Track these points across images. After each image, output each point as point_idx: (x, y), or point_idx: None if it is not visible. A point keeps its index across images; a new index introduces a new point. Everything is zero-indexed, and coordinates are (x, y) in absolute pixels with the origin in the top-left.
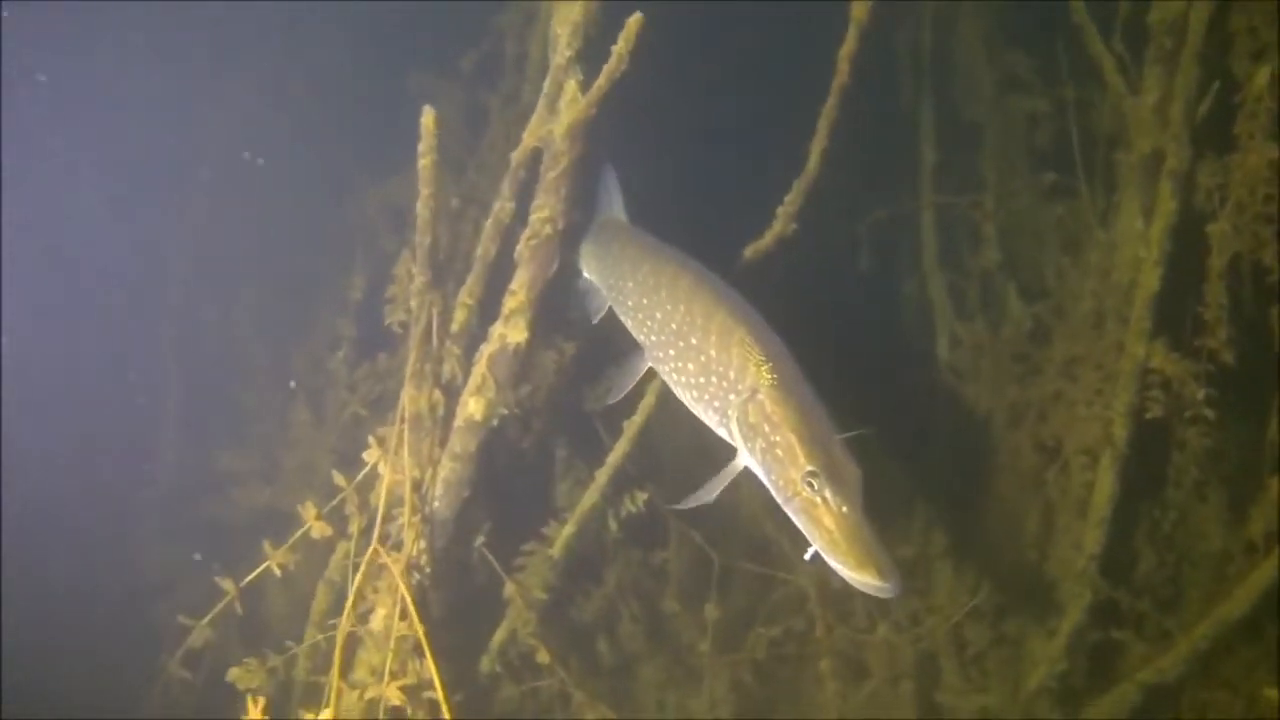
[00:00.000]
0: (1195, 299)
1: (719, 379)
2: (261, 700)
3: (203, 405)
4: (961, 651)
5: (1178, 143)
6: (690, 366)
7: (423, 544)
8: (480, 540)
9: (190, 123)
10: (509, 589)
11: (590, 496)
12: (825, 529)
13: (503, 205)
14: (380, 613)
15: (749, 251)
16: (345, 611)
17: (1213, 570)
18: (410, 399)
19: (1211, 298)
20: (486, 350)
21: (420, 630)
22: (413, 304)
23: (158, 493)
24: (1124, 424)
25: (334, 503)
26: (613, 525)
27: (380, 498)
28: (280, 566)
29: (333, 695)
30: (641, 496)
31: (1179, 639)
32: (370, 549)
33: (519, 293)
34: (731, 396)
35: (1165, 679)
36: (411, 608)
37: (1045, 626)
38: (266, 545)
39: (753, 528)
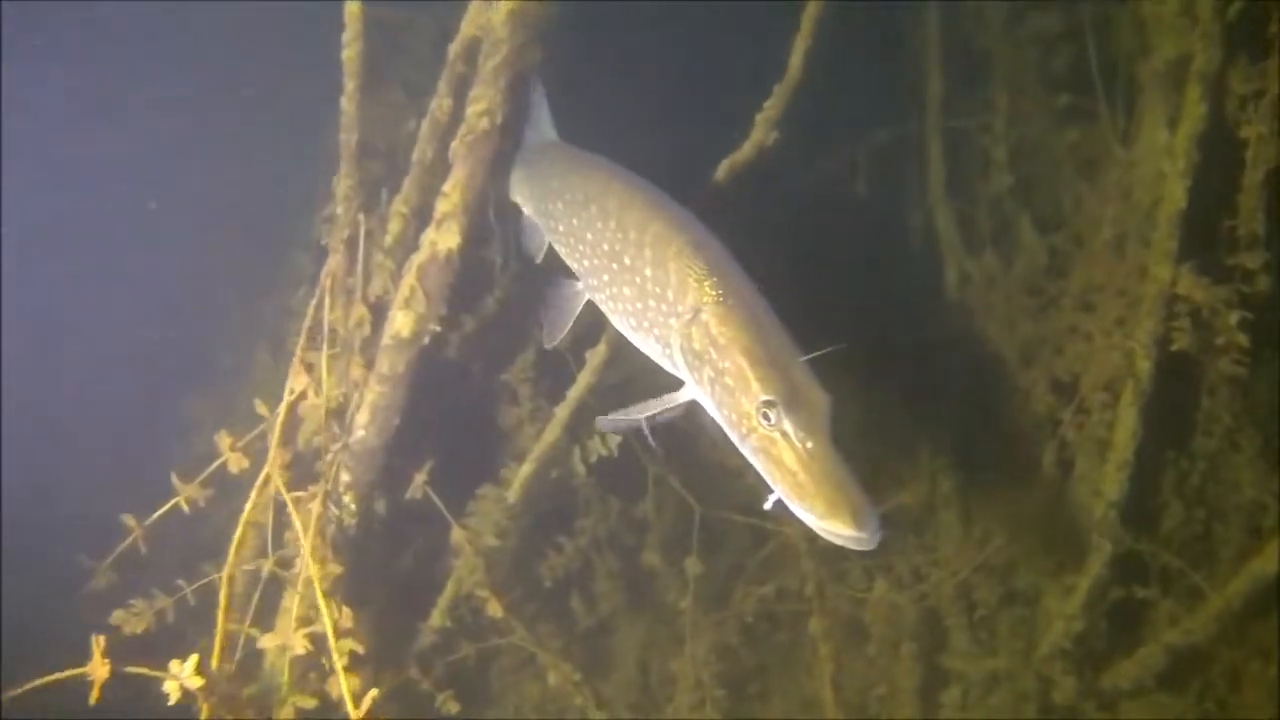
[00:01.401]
0: (1226, 216)
1: (657, 301)
2: (103, 640)
3: (170, 351)
4: (970, 611)
5: (1207, 41)
6: (626, 291)
7: (345, 477)
8: (422, 479)
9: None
10: (456, 535)
11: (551, 433)
12: (786, 469)
13: (439, 103)
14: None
15: (725, 166)
16: (232, 551)
17: (1246, 524)
18: (334, 316)
19: (1245, 213)
20: (416, 259)
21: (334, 572)
22: (338, 210)
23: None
24: (1147, 355)
25: (254, 433)
26: (580, 468)
27: (305, 429)
28: (189, 502)
29: (217, 642)
30: (614, 439)
31: (1209, 597)
32: (271, 483)
33: (452, 194)
34: (672, 321)
35: (1193, 641)
36: (328, 548)
37: (1061, 582)
38: (174, 478)
39: (739, 476)
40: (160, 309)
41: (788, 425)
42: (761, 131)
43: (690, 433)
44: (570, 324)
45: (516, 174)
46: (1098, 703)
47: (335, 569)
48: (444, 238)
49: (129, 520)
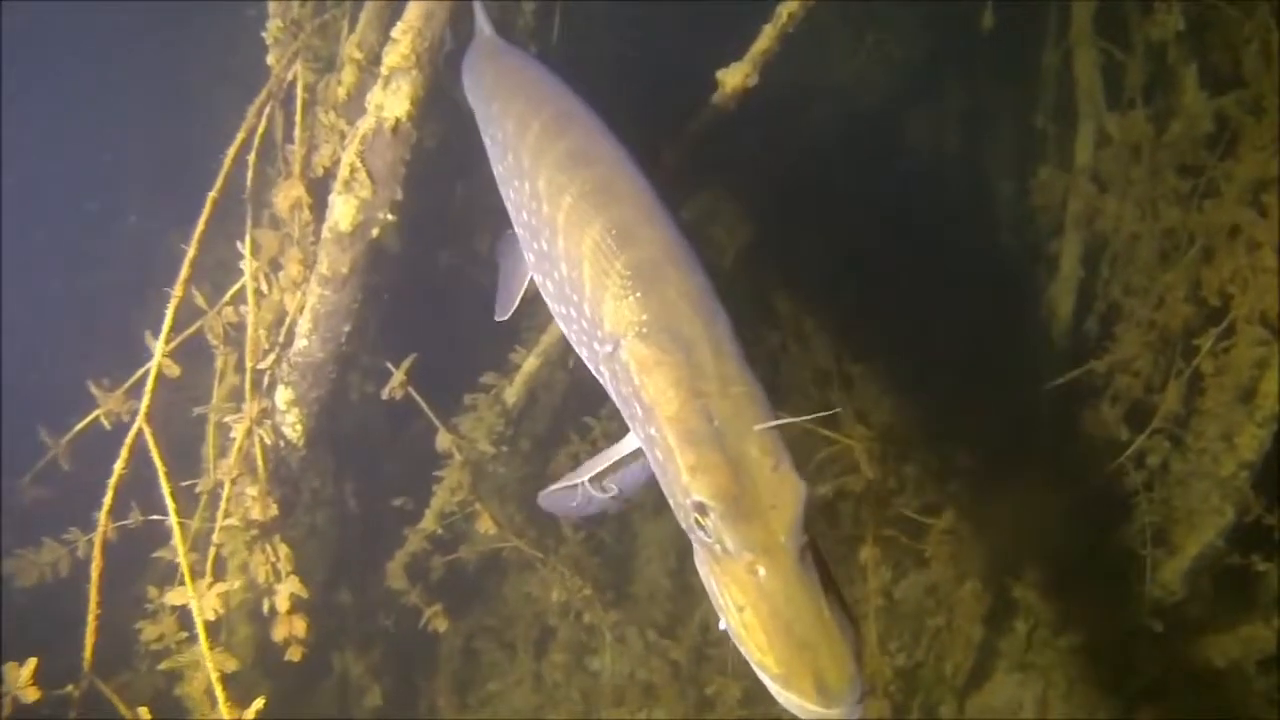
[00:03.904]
0: None
1: (577, 312)
2: None
3: None
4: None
5: None
6: (549, 285)
7: (287, 394)
8: (400, 380)
9: None
10: (443, 440)
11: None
12: (730, 600)
13: None
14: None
15: None
16: (106, 502)
17: None
18: (278, 196)
19: None
20: (359, 128)
21: (266, 504)
22: (270, 58)
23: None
24: None
25: (189, 332)
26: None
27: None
28: (110, 417)
29: (93, 592)
30: None
31: None
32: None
33: (402, 41)
34: (595, 345)
35: None
36: (260, 474)
37: (1165, 541)
38: (93, 387)
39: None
40: None
41: (729, 541)
42: None
43: None
44: (520, 295)
45: (466, 80)
46: (1185, 677)
47: (269, 508)
48: (392, 102)
49: (51, 442)
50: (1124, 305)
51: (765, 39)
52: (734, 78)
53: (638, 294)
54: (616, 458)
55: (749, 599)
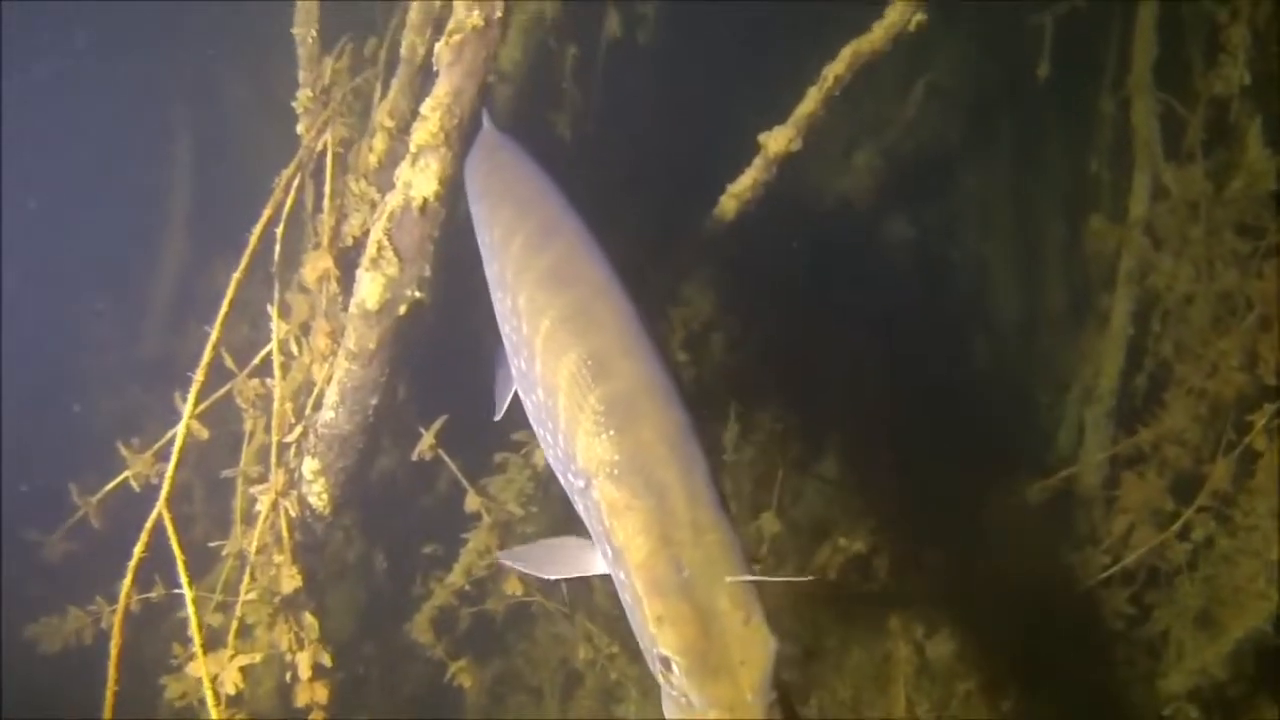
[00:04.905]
0: None
1: (552, 437)
2: None
3: None
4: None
5: None
6: (529, 404)
7: (313, 464)
8: (428, 443)
9: None
10: (472, 502)
11: None
12: None
13: None
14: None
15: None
16: (129, 573)
17: None
18: (306, 267)
19: None
20: (388, 204)
21: (290, 575)
22: (299, 128)
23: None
24: None
25: (215, 398)
26: None
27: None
28: (139, 479)
29: (111, 669)
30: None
31: None
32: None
33: (431, 117)
34: (569, 476)
35: None
36: (285, 545)
37: (1209, 622)
38: (124, 450)
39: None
40: None
41: (694, 697)
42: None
43: None
44: (508, 401)
45: (466, 176)
46: None
47: (294, 580)
48: (420, 180)
49: (83, 501)
50: (1175, 369)
51: (810, 102)
52: (777, 142)
53: (611, 432)
54: (585, 573)
55: None
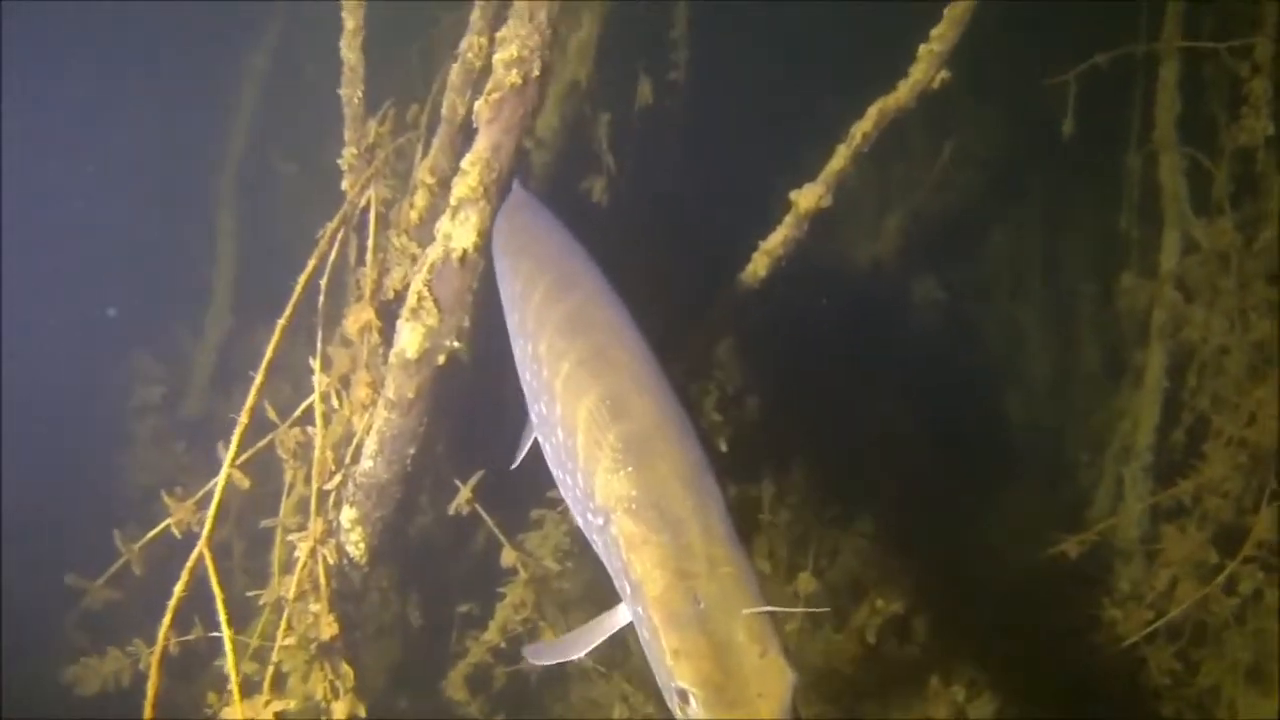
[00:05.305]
0: None
1: (571, 479)
2: None
3: None
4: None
5: None
6: (548, 448)
7: (351, 513)
8: (465, 497)
9: None
10: (508, 557)
11: None
12: None
13: (472, 42)
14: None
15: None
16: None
17: None
18: (348, 319)
19: None
20: (428, 257)
21: (328, 622)
22: (344, 185)
23: None
24: None
25: (255, 450)
26: None
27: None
28: (180, 526)
29: (148, 709)
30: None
31: None
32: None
33: (471, 172)
34: (589, 515)
35: None
36: (323, 592)
37: (1259, 678)
38: (166, 498)
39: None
40: None
41: None
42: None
43: None
44: (526, 449)
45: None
46: None
47: (331, 627)
48: (460, 232)
49: (124, 546)
50: (1212, 420)
51: (839, 159)
52: (808, 200)
53: (628, 468)
54: (610, 631)
55: None
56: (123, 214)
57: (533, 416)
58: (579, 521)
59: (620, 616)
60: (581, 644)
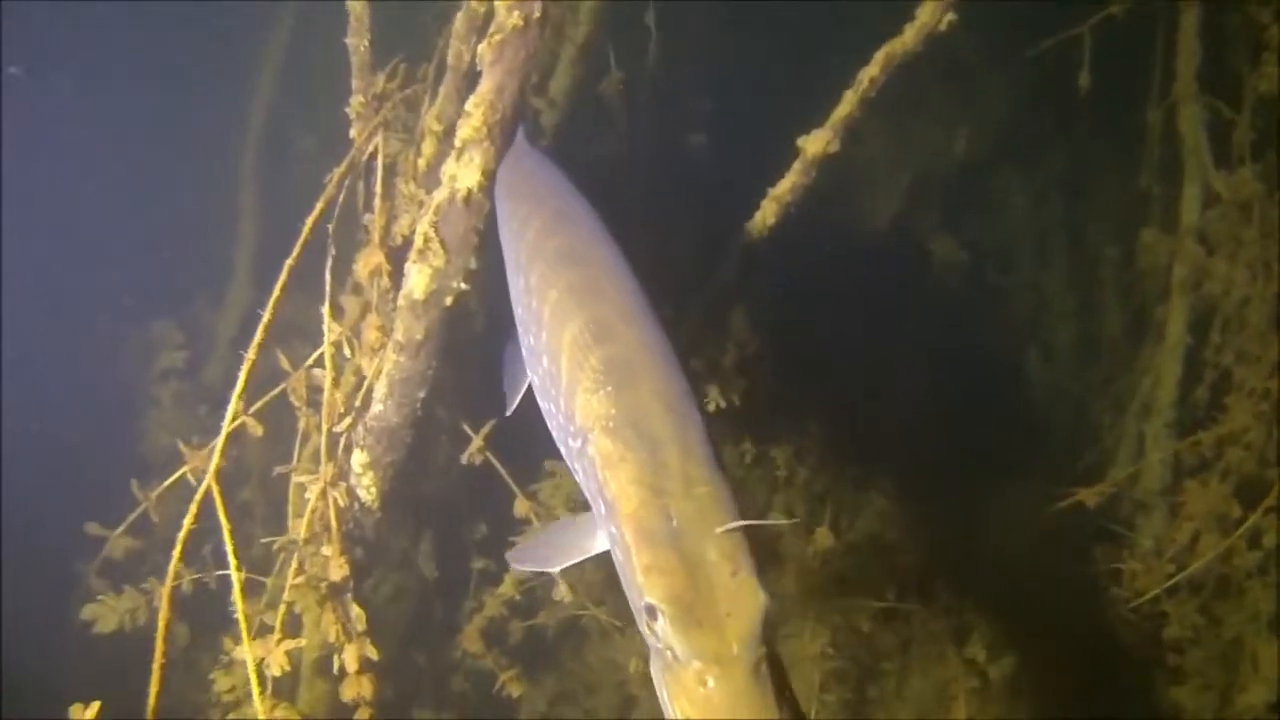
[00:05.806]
0: None
1: (554, 405)
2: None
3: None
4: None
5: None
6: (535, 379)
7: (362, 457)
8: (477, 445)
9: None
10: (520, 507)
11: None
12: (679, 713)
13: None
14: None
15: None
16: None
17: None
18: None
19: None
20: (434, 199)
21: (339, 564)
22: (352, 132)
23: None
24: None
25: (273, 394)
26: None
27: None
28: (196, 474)
29: (159, 642)
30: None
31: None
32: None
33: (475, 114)
34: (569, 440)
35: None
36: (334, 534)
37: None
38: (182, 446)
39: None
40: None
41: (678, 648)
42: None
43: None
44: (520, 394)
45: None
46: None
47: (342, 569)
48: (464, 173)
49: (140, 493)
50: (1235, 372)
51: (846, 104)
52: (815, 145)
53: (608, 389)
54: (587, 553)
55: (696, 711)
56: (149, 190)
57: (524, 351)
58: (561, 450)
59: (598, 542)
60: (558, 558)
